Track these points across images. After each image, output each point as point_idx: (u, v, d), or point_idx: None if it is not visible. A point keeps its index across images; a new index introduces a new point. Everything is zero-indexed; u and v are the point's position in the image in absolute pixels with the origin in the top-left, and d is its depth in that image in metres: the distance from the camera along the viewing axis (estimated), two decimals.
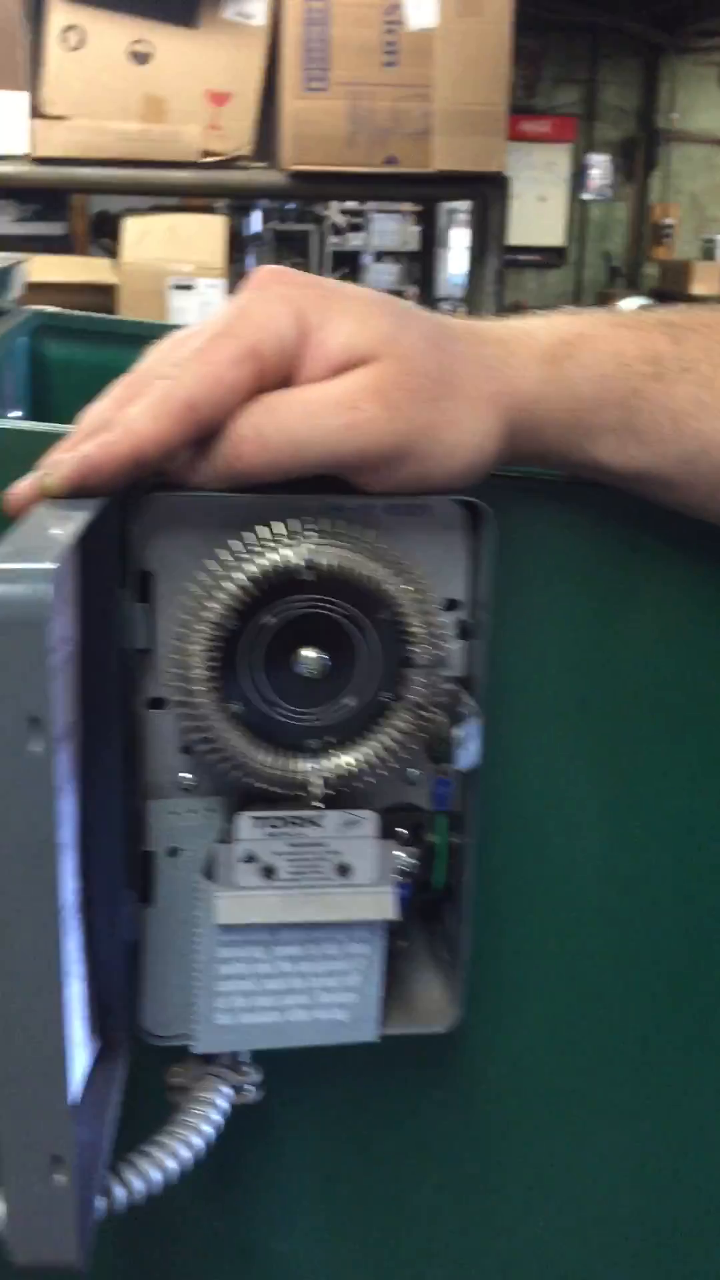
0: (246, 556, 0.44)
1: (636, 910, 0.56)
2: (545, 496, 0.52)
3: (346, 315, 0.43)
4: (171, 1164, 0.47)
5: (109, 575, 0.45)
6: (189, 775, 0.48)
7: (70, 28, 2.86)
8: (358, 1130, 0.58)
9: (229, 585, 0.44)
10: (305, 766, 0.47)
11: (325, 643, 0.46)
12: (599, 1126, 0.60)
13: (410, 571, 0.46)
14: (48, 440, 0.45)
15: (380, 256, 7.96)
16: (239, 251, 4.60)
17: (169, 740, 0.48)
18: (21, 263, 1.15)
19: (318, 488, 0.45)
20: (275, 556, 0.44)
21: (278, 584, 0.45)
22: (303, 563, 0.44)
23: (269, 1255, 0.60)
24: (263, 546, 0.44)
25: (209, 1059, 0.50)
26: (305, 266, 6.71)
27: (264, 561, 0.44)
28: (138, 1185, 0.46)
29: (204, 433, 0.42)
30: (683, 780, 0.55)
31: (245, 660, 0.46)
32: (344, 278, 7.57)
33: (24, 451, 0.45)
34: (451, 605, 0.48)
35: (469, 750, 0.47)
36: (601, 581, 0.53)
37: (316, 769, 0.47)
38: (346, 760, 0.47)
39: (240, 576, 0.44)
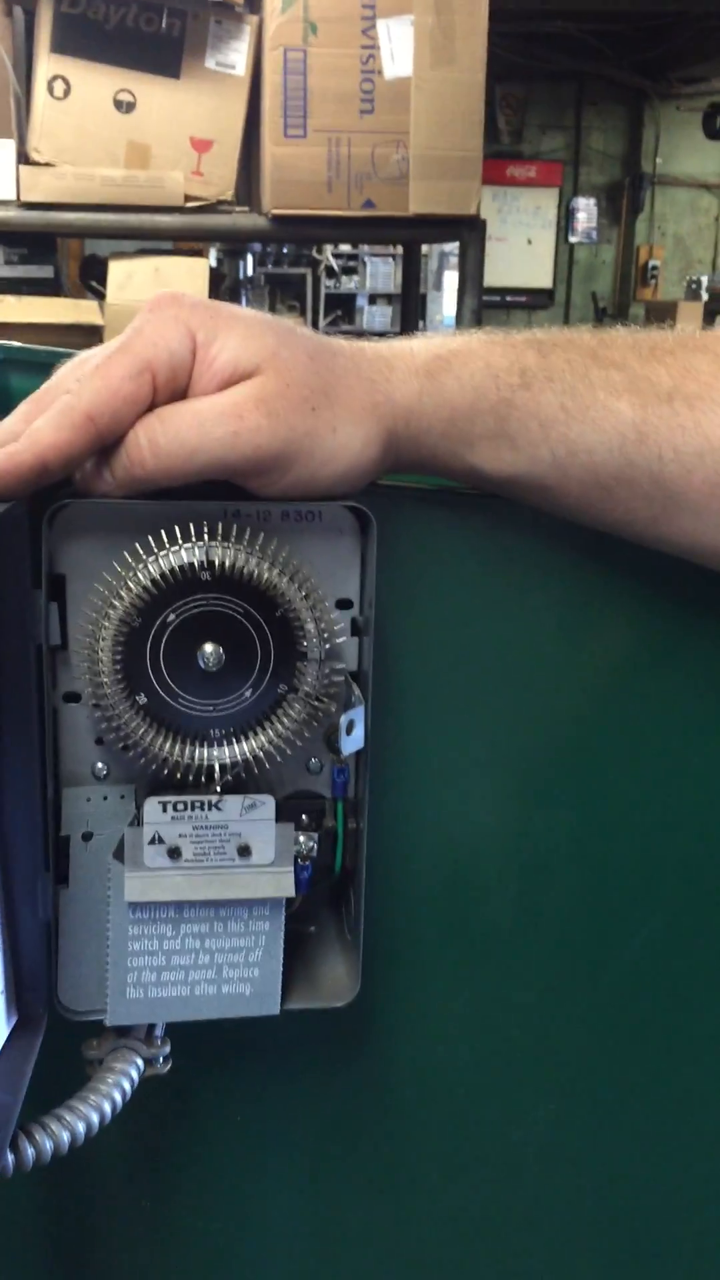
0: (149, 558, 0.48)
1: (534, 885, 0.60)
2: (433, 504, 0.56)
3: (232, 332, 0.48)
4: (79, 1125, 0.50)
5: (23, 577, 0.49)
6: (102, 764, 0.52)
7: (57, 78, 2.94)
8: (272, 1106, 0.62)
9: (133, 585, 0.48)
10: (207, 754, 0.51)
11: (224, 639, 0.50)
12: (507, 1103, 0.63)
13: (301, 572, 0.50)
14: None
15: (374, 299, 8.08)
16: (233, 295, 4.67)
17: (83, 731, 0.52)
18: None
19: (216, 495, 0.50)
20: (176, 558, 0.48)
21: (179, 584, 0.49)
22: (200, 563, 0.48)
23: (191, 1233, 0.63)
24: (165, 549, 0.48)
25: (122, 1032, 0.53)
26: (300, 309, 6.82)
27: (165, 563, 0.48)
28: (46, 1144, 0.49)
29: (103, 442, 0.47)
30: (569, 762, 0.59)
31: (151, 655, 0.50)
32: (338, 320, 7.72)
33: None
34: (344, 604, 0.52)
35: (354, 736, 0.50)
36: (483, 581, 0.57)
37: (217, 756, 0.50)
38: (245, 748, 0.51)
39: (143, 577, 0.48)
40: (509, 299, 8.44)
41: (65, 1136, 0.49)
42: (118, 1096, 0.51)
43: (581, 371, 0.51)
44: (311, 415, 0.48)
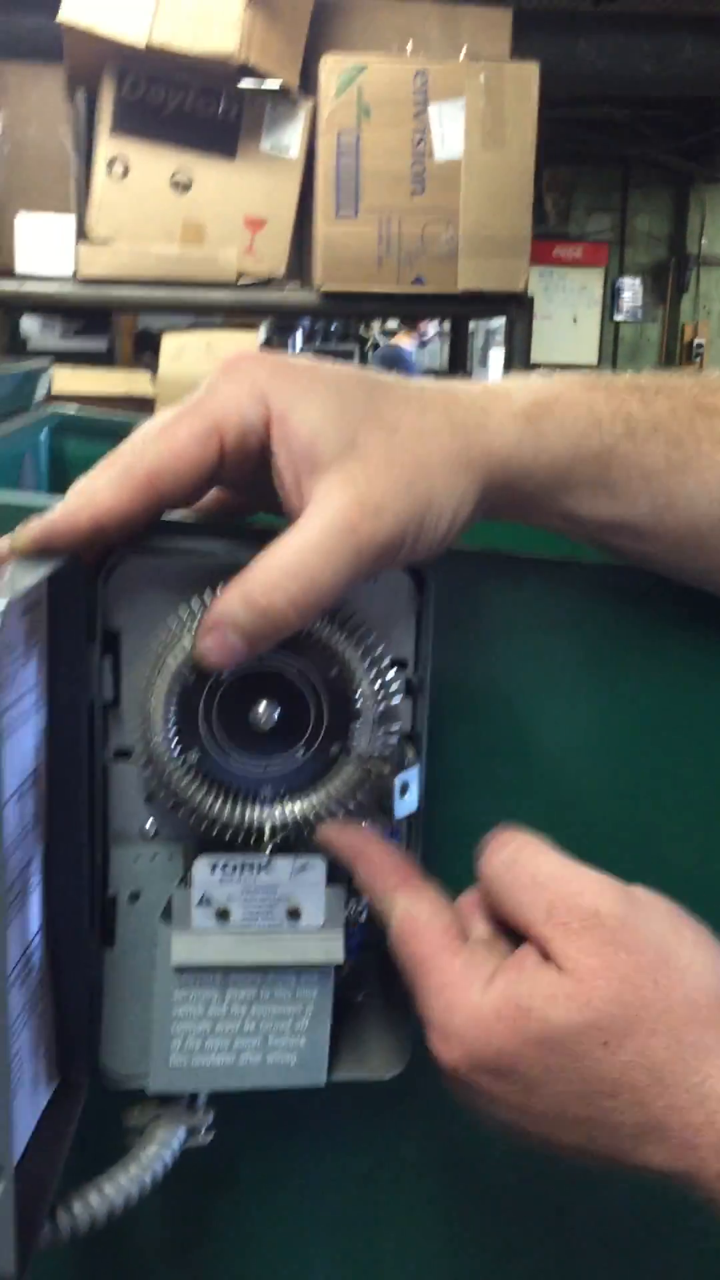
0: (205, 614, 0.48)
1: None
2: (487, 566, 0.55)
3: (311, 404, 0.46)
4: (119, 1199, 0.48)
5: (78, 633, 0.49)
6: (151, 823, 0.52)
7: (116, 158, 3.04)
8: (315, 1179, 0.60)
9: (187, 642, 0.48)
10: (258, 814, 0.50)
11: (278, 697, 0.49)
12: (562, 1186, 0.61)
13: (359, 631, 0.50)
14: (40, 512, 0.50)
15: (423, 374, 8.18)
16: None
17: (133, 789, 0.51)
18: (47, 369, 1.23)
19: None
20: None
21: None
22: None
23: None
24: None
25: (165, 1100, 0.52)
26: None
27: None
28: (84, 1217, 0.47)
29: (164, 505, 0.47)
30: (628, 835, 0.58)
31: (203, 712, 0.49)
32: None
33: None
34: (399, 664, 0.52)
35: (408, 799, 0.50)
36: (537, 644, 0.56)
37: (268, 817, 0.50)
38: (297, 808, 0.50)
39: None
40: None
41: (103, 1209, 0.48)
42: (159, 1168, 0.50)
43: (686, 421, 0.50)
44: (409, 495, 0.46)
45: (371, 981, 0.57)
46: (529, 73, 2.83)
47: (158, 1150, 0.51)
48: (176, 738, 0.49)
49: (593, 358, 8.88)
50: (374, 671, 0.49)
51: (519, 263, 3.04)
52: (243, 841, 0.50)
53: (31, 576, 0.44)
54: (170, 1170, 0.51)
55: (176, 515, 0.52)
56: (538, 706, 0.57)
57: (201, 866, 0.50)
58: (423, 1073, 0.55)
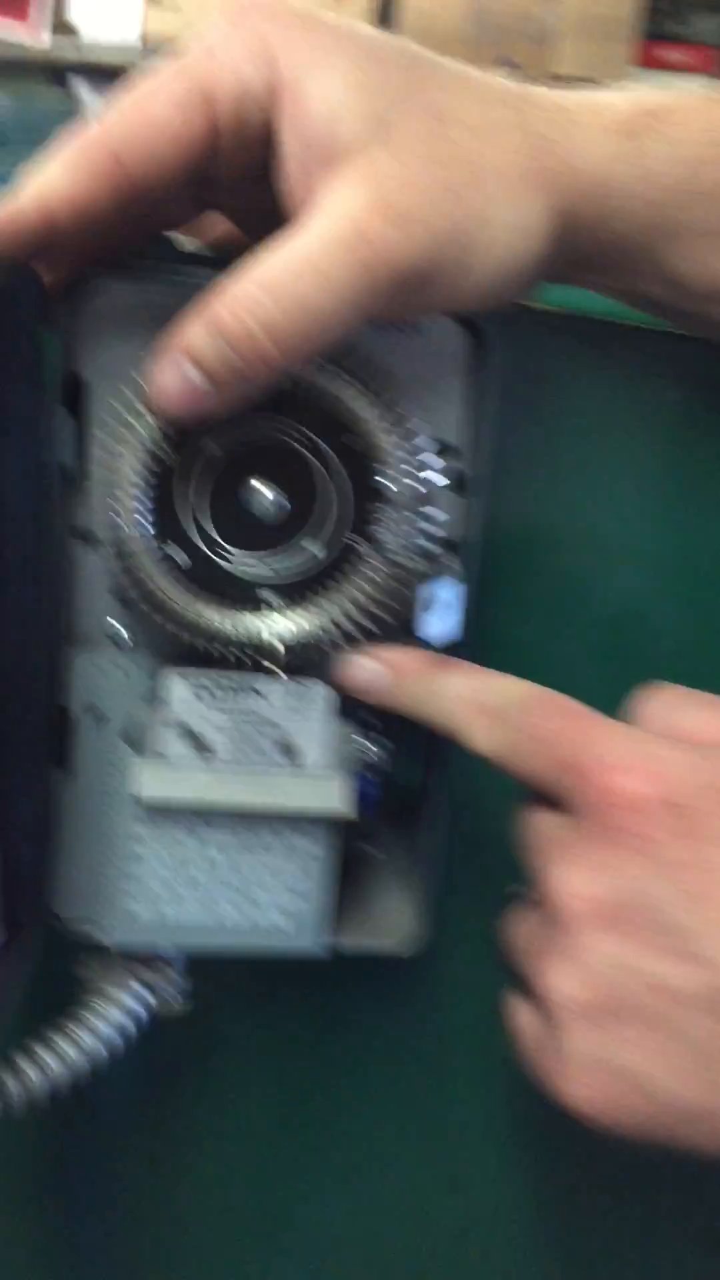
0: None
1: None
2: (571, 334, 0.43)
3: (334, 71, 0.34)
4: (63, 1069, 0.40)
5: (31, 375, 0.38)
6: (118, 624, 0.42)
7: None
8: (307, 1060, 0.52)
9: None
10: (260, 627, 0.40)
11: (282, 477, 0.39)
12: None
13: (387, 393, 0.38)
14: None
15: None
16: None
17: (99, 583, 0.41)
18: None
19: None
20: None
21: None
22: None
23: (211, 1192, 0.54)
24: None
25: (128, 954, 0.43)
26: None
27: None
28: (30, 1085, 0.40)
29: (136, 193, 0.35)
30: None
31: (186, 493, 0.39)
32: None
33: None
34: (444, 450, 0.40)
35: (447, 619, 0.39)
36: (640, 445, 0.44)
37: (274, 629, 0.39)
38: (308, 617, 0.40)
39: None
40: None
41: (57, 1066, 0.40)
42: (115, 1022, 0.42)
43: None
44: (451, 205, 0.34)
45: (392, 837, 0.47)
46: None
47: (112, 1007, 0.42)
48: (153, 523, 0.38)
49: None
50: (405, 443, 0.38)
51: (620, 49, 2.76)
52: (236, 661, 0.40)
53: None
54: (137, 1043, 0.43)
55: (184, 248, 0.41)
56: (622, 527, 0.46)
57: (178, 685, 0.40)
58: (456, 947, 0.47)
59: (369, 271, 0.33)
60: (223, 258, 0.41)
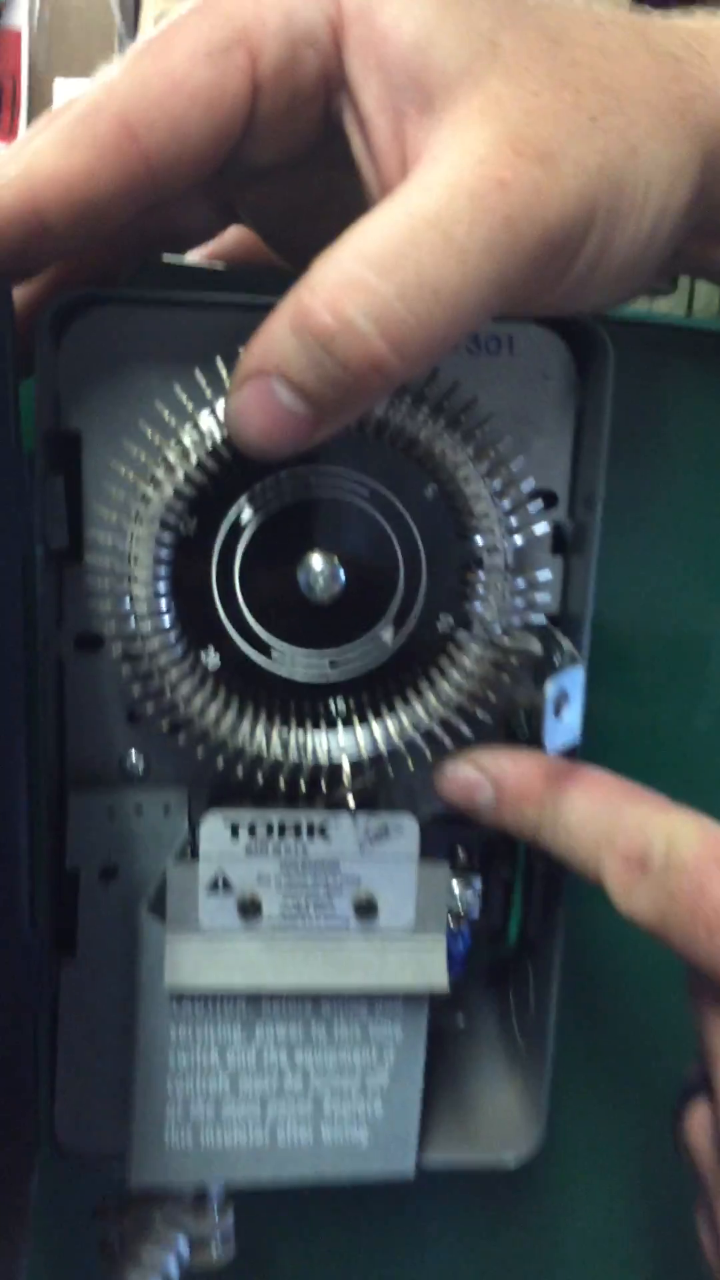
0: (214, 402, 0.28)
1: None
2: (696, 353, 0.34)
3: None
4: None
5: (9, 432, 0.28)
6: (137, 755, 0.32)
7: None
8: None
9: (182, 456, 0.28)
10: (323, 743, 0.30)
11: (342, 545, 0.29)
12: None
13: (479, 431, 0.29)
14: None
15: None
16: None
17: (104, 696, 0.31)
18: None
19: None
20: None
21: None
22: None
23: None
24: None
25: (153, 1196, 0.33)
26: None
27: None
28: None
29: (152, 175, 0.26)
30: None
31: (210, 573, 0.29)
32: None
33: None
34: (542, 500, 0.31)
35: (566, 720, 0.29)
36: None
37: (341, 746, 0.30)
38: (388, 730, 0.30)
39: (198, 440, 0.28)
40: None
41: None
42: None
43: None
44: (598, 133, 0.25)
45: (479, 1001, 0.37)
46: None
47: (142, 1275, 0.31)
48: (172, 614, 0.29)
49: None
50: (506, 494, 0.29)
51: None
52: (288, 789, 0.30)
53: None
54: None
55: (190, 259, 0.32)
56: None
57: (215, 827, 0.30)
58: (568, 1145, 0.36)
59: (512, 229, 0.24)
60: (244, 275, 0.33)
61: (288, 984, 0.31)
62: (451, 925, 0.33)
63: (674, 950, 0.27)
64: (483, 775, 0.30)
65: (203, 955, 0.30)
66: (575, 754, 0.31)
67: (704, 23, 0.28)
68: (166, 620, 0.29)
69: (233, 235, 0.34)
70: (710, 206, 0.28)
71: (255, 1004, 0.31)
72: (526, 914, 0.34)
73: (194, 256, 0.34)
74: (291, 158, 0.28)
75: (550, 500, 0.31)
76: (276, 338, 0.25)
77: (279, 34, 0.25)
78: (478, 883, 0.33)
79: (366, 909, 0.31)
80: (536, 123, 0.24)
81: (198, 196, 0.30)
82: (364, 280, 0.23)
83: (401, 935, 0.31)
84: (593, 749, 0.31)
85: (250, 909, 0.30)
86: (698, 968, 0.27)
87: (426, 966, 0.31)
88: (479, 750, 0.30)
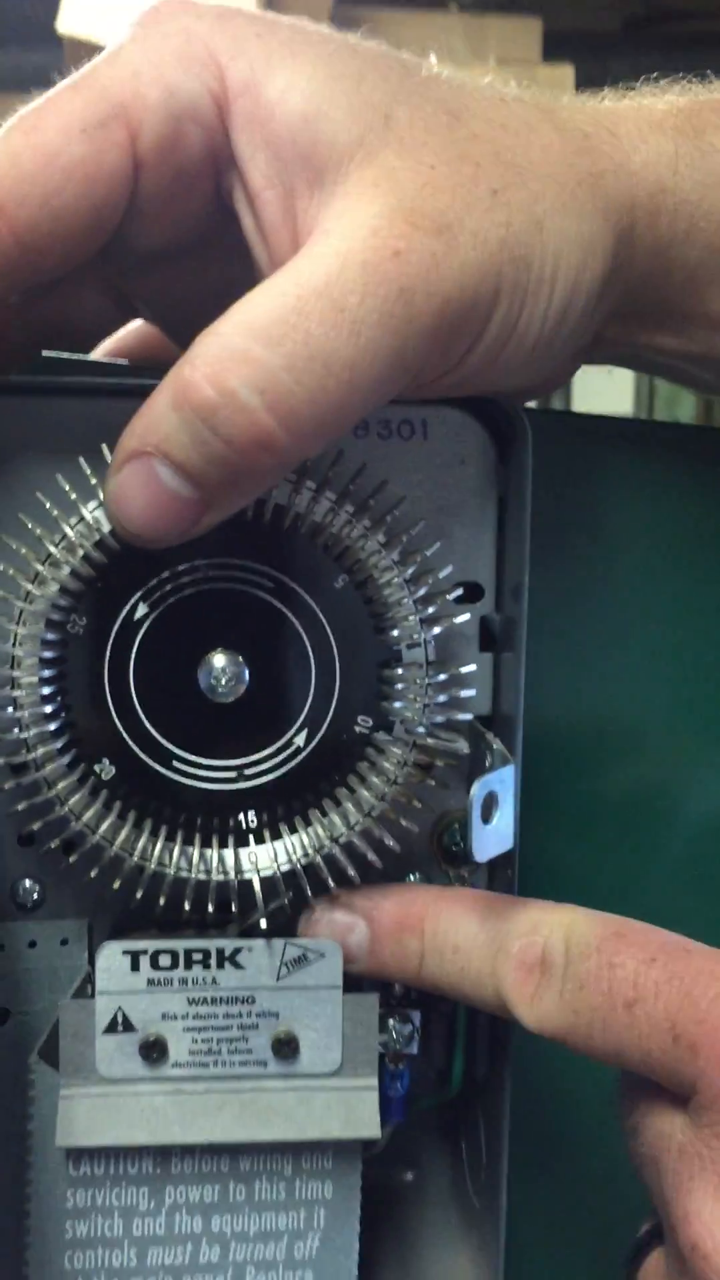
0: (98, 491, 0.26)
1: None
2: (625, 442, 0.33)
3: (303, 62, 0.24)
4: None
5: None
6: (30, 884, 0.29)
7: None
8: None
9: (66, 550, 0.26)
10: (232, 861, 0.27)
11: (246, 641, 0.27)
12: None
13: (391, 519, 0.27)
14: None
15: None
16: None
17: None
18: None
19: None
20: None
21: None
22: None
23: None
24: None
25: None
26: None
27: None
28: None
29: (25, 259, 0.24)
30: None
31: (102, 675, 0.27)
32: None
33: None
34: (467, 593, 0.29)
35: (498, 826, 0.26)
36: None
37: (253, 862, 0.27)
38: (301, 843, 0.27)
39: (84, 532, 0.26)
40: None
41: None
42: None
43: None
44: (498, 206, 0.24)
45: (427, 1149, 0.33)
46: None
47: None
48: (65, 724, 0.26)
49: None
50: (422, 585, 0.27)
51: None
52: (194, 913, 0.27)
53: None
54: None
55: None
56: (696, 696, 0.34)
57: (112, 958, 0.27)
58: None
59: (407, 301, 0.22)
60: (133, 369, 0.31)
61: (199, 1138, 0.27)
62: (390, 1065, 0.29)
63: (593, 1053, 0.24)
64: (354, 915, 0.27)
65: (101, 1107, 0.27)
66: (510, 861, 0.28)
67: (615, 103, 0.27)
68: (53, 726, 0.26)
69: (135, 332, 0.33)
70: (629, 288, 0.27)
71: (164, 1162, 0.28)
72: (472, 1051, 0.30)
73: (96, 355, 0.32)
74: (183, 242, 0.27)
75: (476, 593, 0.29)
76: (157, 415, 0.23)
77: (159, 109, 0.24)
78: (416, 1016, 0.29)
79: (286, 1048, 0.27)
80: (433, 195, 0.23)
81: (89, 285, 0.28)
82: (248, 351, 0.22)
83: (327, 1077, 0.28)
84: (528, 859, 0.28)
85: (154, 1052, 0.27)
86: (620, 1055, 0.24)
87: (356, 1113, 0.27)
88: (347, 891, 0.28)
